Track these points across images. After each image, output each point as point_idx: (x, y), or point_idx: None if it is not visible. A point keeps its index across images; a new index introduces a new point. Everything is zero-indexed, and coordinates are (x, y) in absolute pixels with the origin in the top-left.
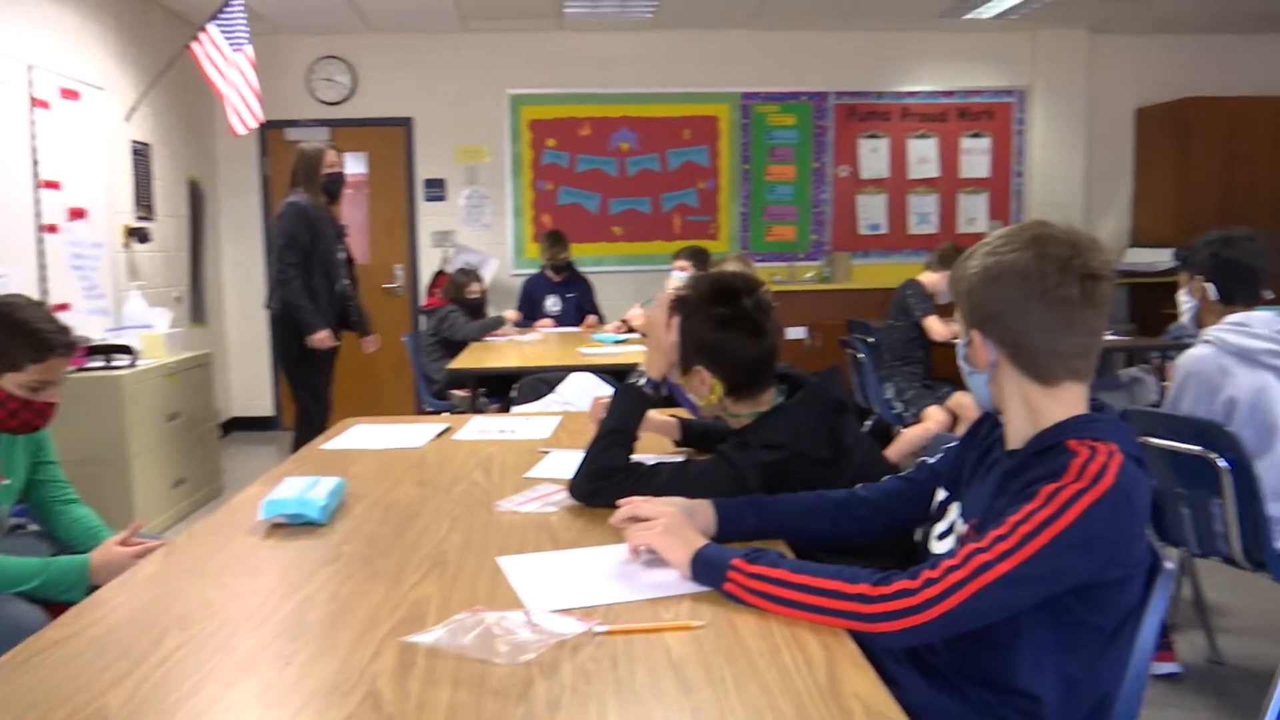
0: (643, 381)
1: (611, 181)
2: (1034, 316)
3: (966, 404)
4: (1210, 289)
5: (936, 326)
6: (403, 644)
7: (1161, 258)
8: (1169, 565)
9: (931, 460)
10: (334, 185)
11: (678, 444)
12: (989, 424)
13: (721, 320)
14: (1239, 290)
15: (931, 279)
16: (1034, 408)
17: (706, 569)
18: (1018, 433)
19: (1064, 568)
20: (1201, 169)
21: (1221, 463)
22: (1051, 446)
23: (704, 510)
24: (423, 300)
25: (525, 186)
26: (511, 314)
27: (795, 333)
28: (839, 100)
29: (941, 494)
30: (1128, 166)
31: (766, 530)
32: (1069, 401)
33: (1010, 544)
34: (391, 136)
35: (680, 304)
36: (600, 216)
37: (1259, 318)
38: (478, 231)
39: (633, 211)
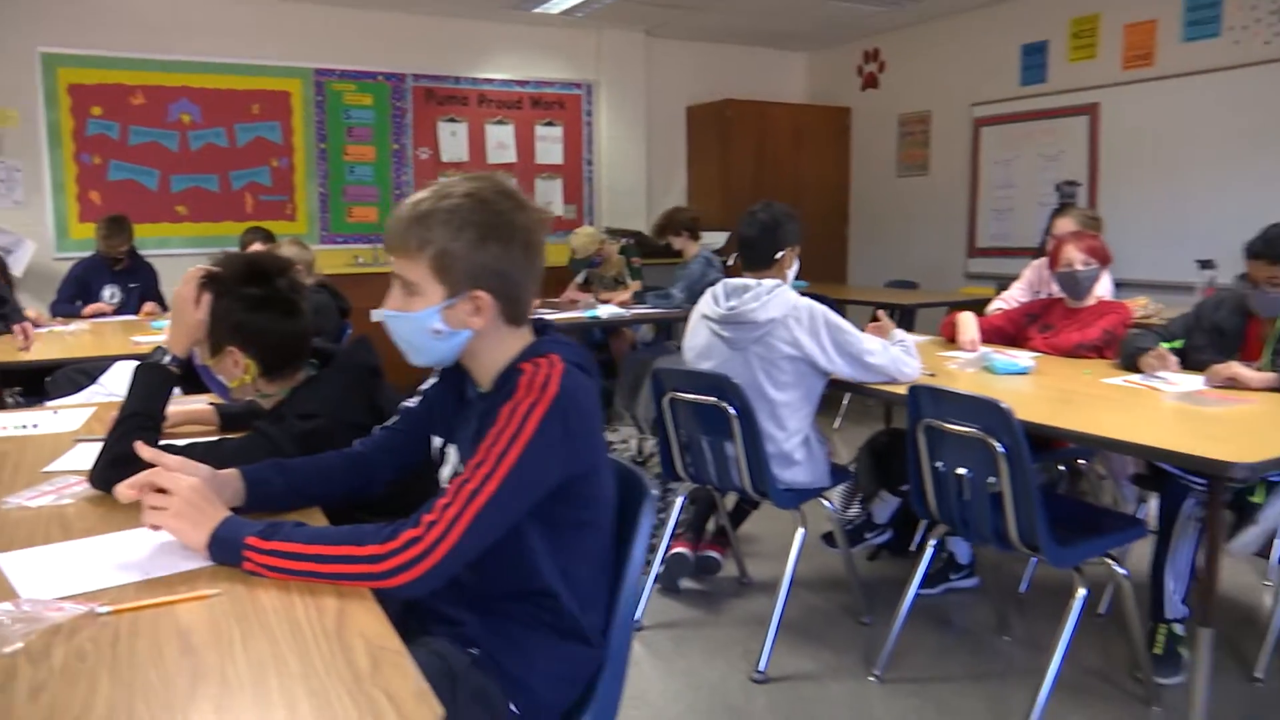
0: (166, 359)
1: (172, 157)
2: (520, 265)
3: None
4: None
5: None
6: None
7: (716, 240)
8: (653, 491)
9: (410, 404)
10: None
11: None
12: (458, 369)
13: (255, 301)
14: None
15: None
16: (505, 348)
17: (223, 549)
18: (489, 374)
19: (539, 474)
20: (740, 162)
21: (730, 410)
22: (509, 373)
23: (232, 480)
24: None
25: (67, 159)
26: (33, 312)
27: (379, 314)
28: (417, 83)
29: (437, 440)
30: (682, 158)
31: (295, 491)
32: (524, 334)
33: (488, 468)
34: None
35: (211, 282)
36: (161, 195)
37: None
38: (9, 210)
39: (199, 190)
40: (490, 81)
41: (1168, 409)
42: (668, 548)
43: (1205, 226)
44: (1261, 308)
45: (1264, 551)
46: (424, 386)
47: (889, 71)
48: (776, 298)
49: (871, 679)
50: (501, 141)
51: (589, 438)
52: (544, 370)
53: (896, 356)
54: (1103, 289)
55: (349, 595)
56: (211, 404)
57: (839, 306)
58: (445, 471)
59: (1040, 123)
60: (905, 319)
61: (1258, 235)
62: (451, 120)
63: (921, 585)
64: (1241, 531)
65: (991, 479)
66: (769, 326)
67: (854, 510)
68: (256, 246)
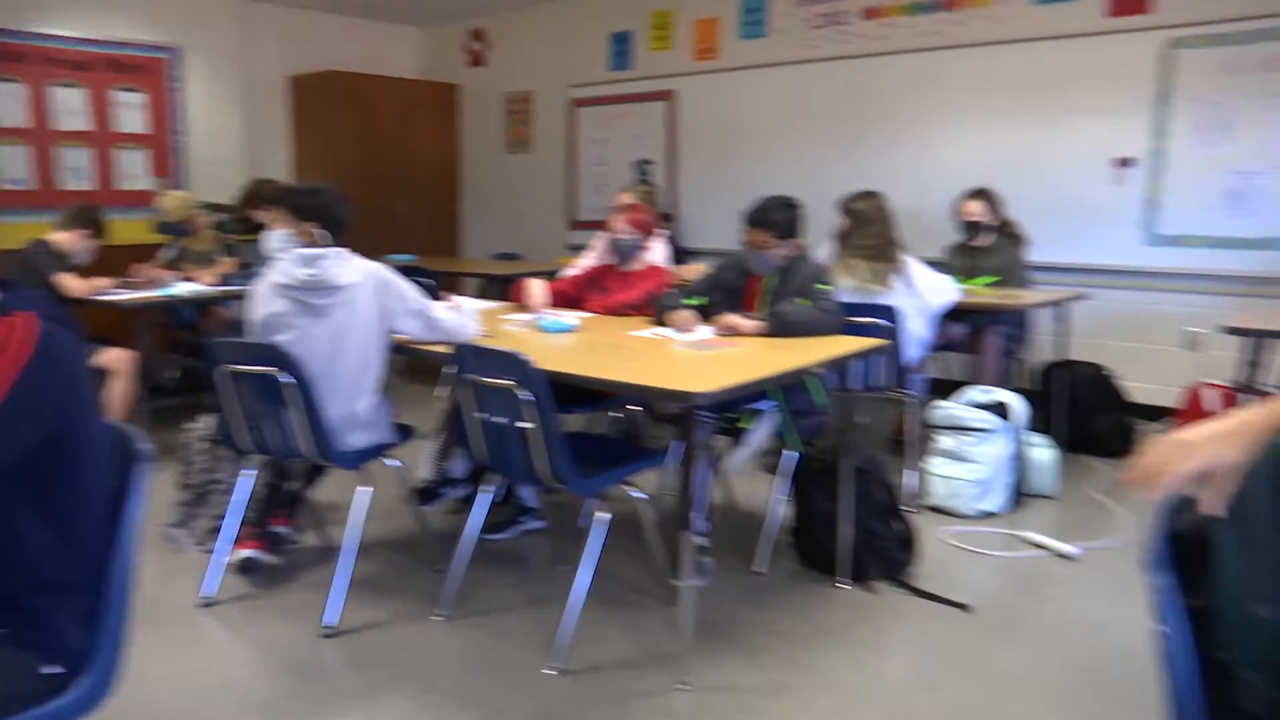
0: None
1: None
2: None
3: None
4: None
5: (72, 283)
6: None
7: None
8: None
9: None
10: None
11: None
12: None
13: None
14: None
15: (64, 238)
16: None
17: None
18: None
19: (14, 429)
20: (347, 136)
21: (286, 379)
22: None
23: None
24: None
25: None
26: None
27: None
28: None
29: None
30: (284, 130)
31: None
32: None
33: None
34: None
35: None
36: None
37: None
38: None
39: None
40: (56, 38)
41: (675, 355)
42: (237, 539)
43: None
44: (757, 267)
45: (773, 468)
46: None
47: (495, 51)
48: (352, 263)
49: (437, 618)
50: (71, 107)
51: (74, 392)
52: (19, 329)
53: (456, 319)
54: (656, 256)
55: None
56: None
57: (450, 278)
58: None
59: (628, 106)
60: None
61: (751, 206)
62: (8, 80)
63: (494, 530)
64: (734, 452)
65: (522, 424)
66: (351, 290)
67: (427, 469)
68: None
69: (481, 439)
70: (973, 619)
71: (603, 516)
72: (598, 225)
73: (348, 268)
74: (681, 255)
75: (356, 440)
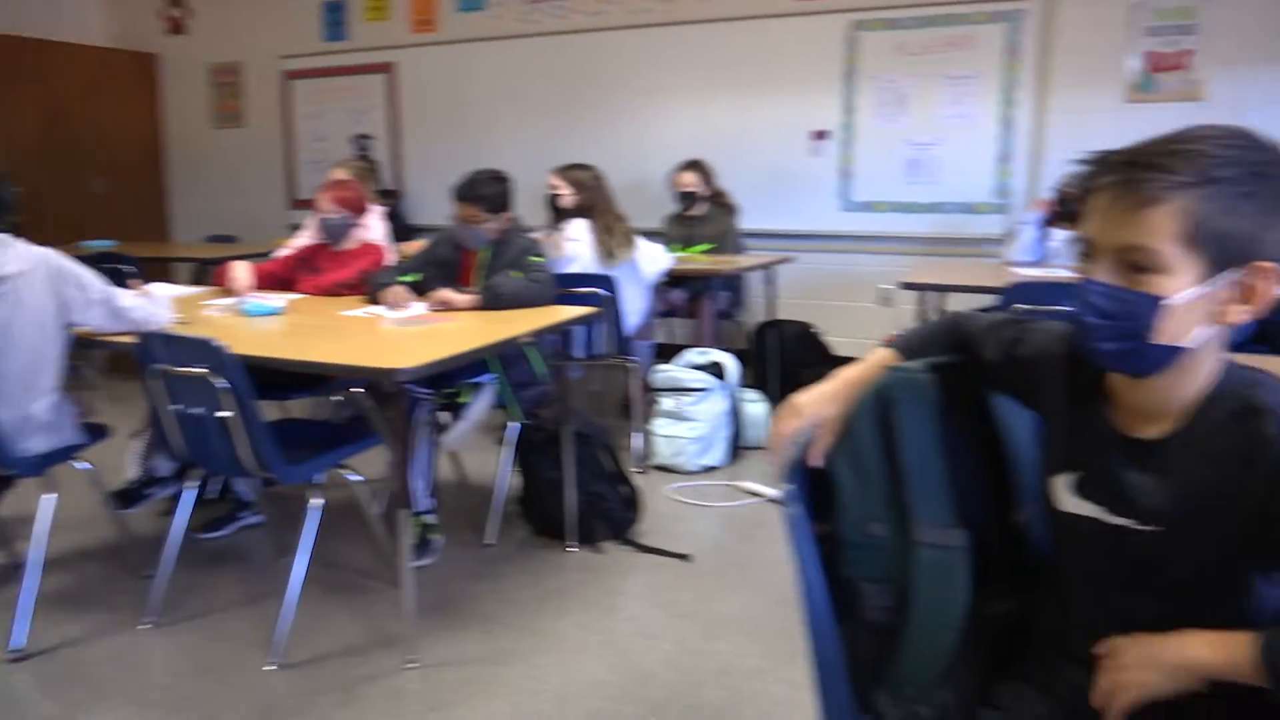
0: None
1: None
2: None
3: None
4: None
5: None
6: None
7: None
8: None
9: None
10: None
11: None
12: None
13: None
14: None
15: None
16: None
17: None
18: None
19: None
20: (23, 109)
21: None
22: None
23: None
24: None
25: None
26: None
27: None
28: None
29: None
30: None
31: None
32: None
33: None
34: None
35: None
36: None
37: None
38: None
39: None
40: None
41: (384, 333)
42: None
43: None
44: (469, 242)
45: (500, 440)
46: None
47: (196, 19)
48: (15, 249)
49: (144, 627)
50: None
51: None
52: None
53: (146, 307)
54: (374, 233)
55: None
56: None
57: (157, 264)
58: None
59: (345, 79)
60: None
61: (460, 180)
62: None
63: (210, 528)
64: (453, 426)
65: (221, 413)
66: (15, 281)
67: (132, 469)
68: None
69: (179, 433)
70: (693, 568)
71: (316, 503)
72: None
73: (9, 255)
74: (410, 231)
75: (36, 445)
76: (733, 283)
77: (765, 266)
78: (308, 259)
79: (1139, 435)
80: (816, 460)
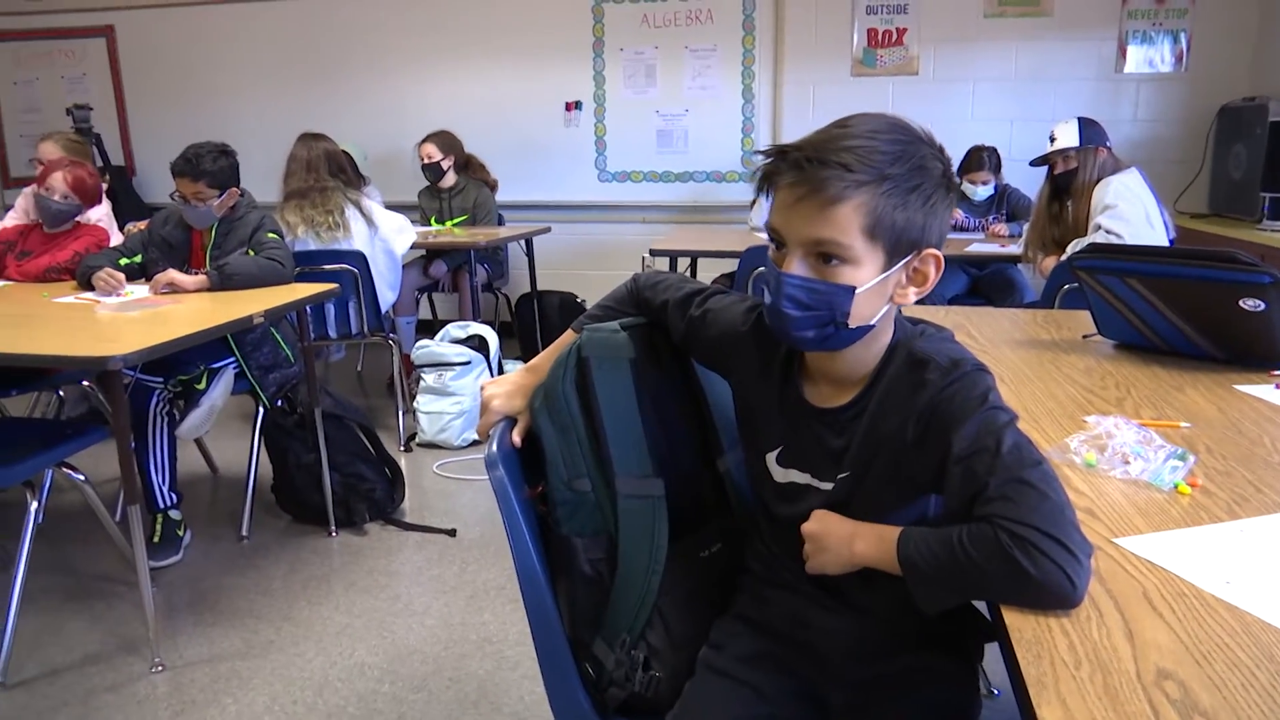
0: None
1: None
2: None
3: None
4: None
5: None
6: None
7: None
8: None
9: None
10: None
11: None
12: None
13: None
14: None
15: None
16: None
17: None
18: None
19: None
20: None
21: None
22: None
23: None
24: None
25: None
26: None
27: None
28: None
29: None
30: None
31: None
32: None
33: None
34: None
35: None
36: None
37: None
38: None
39: None
40: None
41: (100, 319)
42: None
43: (247, 148)
44: (194, 220)
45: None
46: None
47: None
48: None
49: None
50: None
51: None
52: None
53: None
54: (97, 214)
55: None
56: None
57: None
58: None
59: (57, 42)
60: None
61: (179, 155)
62: None
63: None
64: (188, 416)
65: None
66: None
67: None
68: None
69: None
70: (458, 542)
71: (32, 507)
72: (34, 181)
73: None
74: (146, 211)
75: None
76: (492, 255)
77: (524, 238)
78: (16, 241)
79: (832, 405)
80: (517, 443)
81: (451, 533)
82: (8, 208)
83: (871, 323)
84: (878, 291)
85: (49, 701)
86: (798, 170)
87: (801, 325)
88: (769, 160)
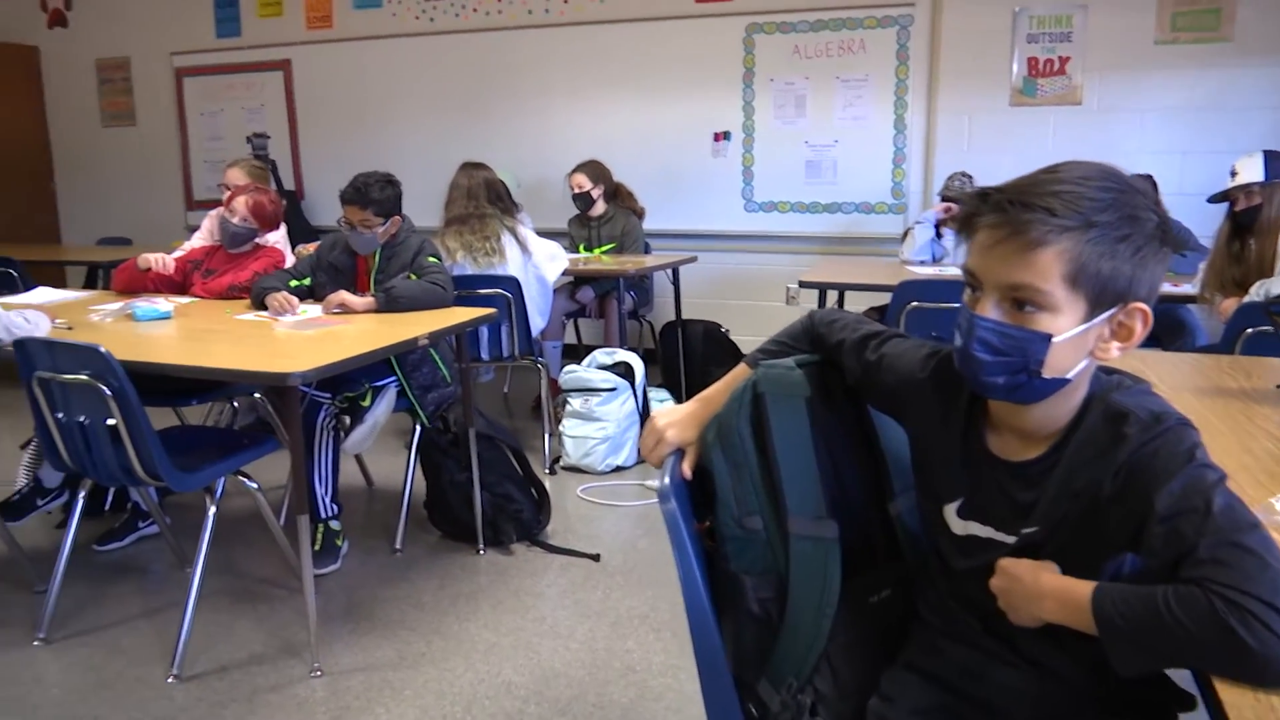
0: None
1: None
2: None
3: None
4: None
5: None
6: None
7: None
8: None
9: None
10: None
11: None
12: None
13: None
14: None
15: None
16: None
17: None
18: None
19: None
20: None
21: None
22: None
23: None
24: None
25: None
26: None
27: None
28: None
29: None
30: None
31: None
32: None
33: None
34: None
35: None
36: None
37: None
38: None
39: None
40: None
41: (277, 336)
42: None
43: (407, 174)
44: (359, 246)
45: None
46: None
47: (78, 11)
48: None
49: (37, 643)
50: None
51: None
52: None
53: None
54: (274, 238)
55: None
56: None
57: (46, 268)
58: None
59: (239, 76)
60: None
61: (348, 184)
62: None
63: (107, 539)
64: (353, 431)
65: (110, 420)
66: None
67: (21, 480)
68: None
69: (61, 442)
70: (602, 567)
71: (212, 511)
72: (218, 204)
73: None
74: (312, 233)
75: None
76: (639, 283)
77: (671, 266)
78: (202, 260)
79: (1021, 458)
80: (687, 474)
81: (595, 557)
82: (193, 229)
83: (1068, 376)
84: (1077, 343)
85: (219, 696)
86: (1000, 212)
87: (992, 371)
88: (970, 202)
